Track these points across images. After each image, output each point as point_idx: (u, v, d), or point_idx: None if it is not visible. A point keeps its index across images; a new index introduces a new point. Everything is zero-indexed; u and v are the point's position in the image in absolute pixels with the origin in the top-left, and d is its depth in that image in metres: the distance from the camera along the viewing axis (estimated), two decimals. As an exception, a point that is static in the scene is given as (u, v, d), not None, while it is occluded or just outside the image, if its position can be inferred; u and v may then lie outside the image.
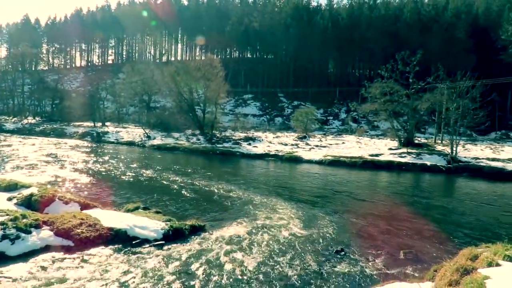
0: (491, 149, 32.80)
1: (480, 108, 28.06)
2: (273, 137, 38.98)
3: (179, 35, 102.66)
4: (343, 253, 8.21)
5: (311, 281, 6.76)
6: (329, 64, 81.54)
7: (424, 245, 9.08)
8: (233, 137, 37.94)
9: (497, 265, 5.66)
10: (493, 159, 26.20)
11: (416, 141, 33.61)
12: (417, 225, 11.09)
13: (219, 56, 76.64)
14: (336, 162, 26.07)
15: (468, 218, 12.42)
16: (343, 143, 35.52)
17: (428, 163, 25.28)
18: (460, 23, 65.46)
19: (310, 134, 41.52)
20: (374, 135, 47.90)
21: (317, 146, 33.35)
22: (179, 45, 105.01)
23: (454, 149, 26.22)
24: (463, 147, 31.51)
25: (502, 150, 31.65)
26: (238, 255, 7.72)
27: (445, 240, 9.69)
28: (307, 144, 34.52)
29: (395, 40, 62.16)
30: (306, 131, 41.78)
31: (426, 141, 37.14)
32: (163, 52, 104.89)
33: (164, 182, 16.33)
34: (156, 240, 8.23)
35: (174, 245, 8.17)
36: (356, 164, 25.51)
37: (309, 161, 27.03)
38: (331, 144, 34.38)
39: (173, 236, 8.59)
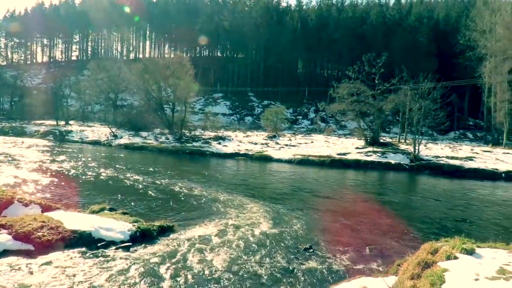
0: (450, 148, 34.48)
1: (441, 109, 29.55)
2: (243, 136, 39.00)
3: (148, 32, 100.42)
4: (311, 250, 8.35)
5: (281, 278, 6.83)
6: (299, 64, 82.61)
7: (388, 241, 9.42)
8: (203, 136, 37.62)
9: (455, 258, 5.95)
10: (452, 158, 27.57)
11: (382, 140, 34.74)
12: (382, 221, 11.49)
13: (188, 54, 75.80)
14: (305, 161, 26.49)
15: (429, 214, 13.00)
16: (312, 142, 36.11)
17: (393, 162, 26.24)
18: (423, 27, 68.40)
19: (280, 133, 41.89)
20: (342, 135, 49.05)
21: (286, 145, 33.71)
22: (147, 42, 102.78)
23: (417, 148, 27.36)
24: (425, 146, 32.88)
25: (460, 149, 33.37)
26: (208, 255, 7.68)
27: (408, 235, 10.10)
28: (277, 143, 34.81)
29: (362, 42, 63.89)
30: (276, 130, 42.11)
31: (390, 140, 38.47)
32: (131, 49, 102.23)
33: (131, 182, 15.94)
34: (122, 242, 8.01)
35: (142, 246, 8.00)
36: (324, 163, 26.04)
37: (279, 160, 27.29)
38: (300, 143, 34.85)
39: (141, 237, 8.40)
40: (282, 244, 8.68)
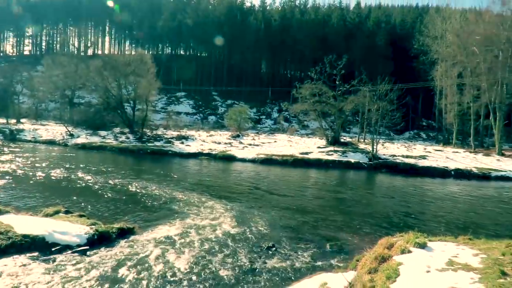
0: (406, 147, 36.21)
1: (397, 110, 31.04)
2: (207, 136, 38.69)
3: (107, 28, 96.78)
4: (274, 248, 8.45)
5: (244, 278, 6.85)
6: (262, 64, 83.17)
7: (348, 237, 9.74)
8: (165, 136, 36.89)
9: (409, 252, 6.27)
10: (407, 156, 28.97)
11: (342, 140, 35.78)
12: (342, 218, 11.85)
13: (150, 52, 73.85)
14: (268, 161, 26.74)
15: (385, 210, 13.57)
16: (275, 141, 36.48)
17: (352, 161, 27.12)
18: (380, 31, 71.29)
19: (244, 132, 41.96)
20: (304, 134, 49.92)
21: (250, 144, 33.83)
22: (107, 38, 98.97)
23: (375, 147, 28.46)
24: (383, 145, 34.28)
25: (415, 148, 35.13)
26: (170, 257, 7.55)
27: (367, 230, 10.49)
28: (240, 142, 34.84)
29: (324, 44, 65.46)
30: (240, 129, 42.14)
31: (351, 139, 39.73)
32: (89, 44, 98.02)
33: (89, 184, 15.31)
34: (79, 245, 7.69)
35: (100, 250, 7.72)
36: (287, 162, 26.42)
37: (243, 160, 27.35)
38: (263, 143, 35.11)
39: (99, 240, 8.11)
40: (245, 243, 8.71)
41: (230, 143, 34.21)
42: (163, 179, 17.27)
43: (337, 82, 34.60)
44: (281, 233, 9.76)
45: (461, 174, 24.90)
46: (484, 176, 24.73)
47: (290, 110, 42.32)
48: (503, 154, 32.43)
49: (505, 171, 25.73)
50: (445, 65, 45.54)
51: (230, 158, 27.93)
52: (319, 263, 7.80)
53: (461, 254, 6.11)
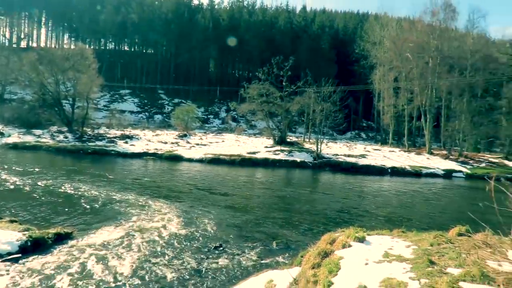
0: (347, 146, 38.02)
1: (339, 111, 32.47)
2: (153, 135, 37.57)
3: (43, 19, 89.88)
4: (221, 248, 8.46)
5: (190, 279, 6.78)
6: (210, 63, 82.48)
7: (293, 234, 10.03)
8: (108, 135, 35.21)
9: (349, 246, 6.60)
10: (349, 155, 30.46)
11: (288, 140, 36.66)
12: (287, 216, 12.18)
13: (91, 46, 69.99)
14: (216, 160, 26.65)
15: (328, 207, 14.17)
16: (223, 141, 36.41)
17: (298, 160, 27.93)
18: (325, 35, 74.11)
19: (191, 132, 41.35)
20: (252, 134, 50.34)
21: (197, 144, 33.44)
22: (43, 30, 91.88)
23: (319, 146, 29.56)
24: (326, 145, 35.60)
25: (356, 148, 37.02)
26: (111, 261, 7.24)
27: (311, 227, 10.88)
28: (187, 142, 34.31)
29: (271, 45, 66.51)
30: (187, 129, 41.45)
31: (297, 139, 40.81)
32: (22, 36, 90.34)
33: (21, 187, 14.16)
34: (10, 253, 7.10)
35: (34, 257, 7.20)
36: (235, 161, 26.53)
37: (190, 160, 26.98)
38: (211, 142, 34.89)
39: (33, 247, 7.56)
40: (192, 245, 8.62)
41: (177, 143, 33.55)
42: (104, 180, 16.48)
43: (283, 83, 35.35)
44: (229, 232, 9.79)
45: (396, 172, 26.77)
46: (416, 173, 26.81)
47: (238, 110, 42.48)
48: (432, 153, 35.35)
49: (434, 169, 28.13)
50: (383, 69, 48.51)
51: (177, 158, 27.41)
52: (266, 260, 7.95)
53: (396, 246, 6.55)
